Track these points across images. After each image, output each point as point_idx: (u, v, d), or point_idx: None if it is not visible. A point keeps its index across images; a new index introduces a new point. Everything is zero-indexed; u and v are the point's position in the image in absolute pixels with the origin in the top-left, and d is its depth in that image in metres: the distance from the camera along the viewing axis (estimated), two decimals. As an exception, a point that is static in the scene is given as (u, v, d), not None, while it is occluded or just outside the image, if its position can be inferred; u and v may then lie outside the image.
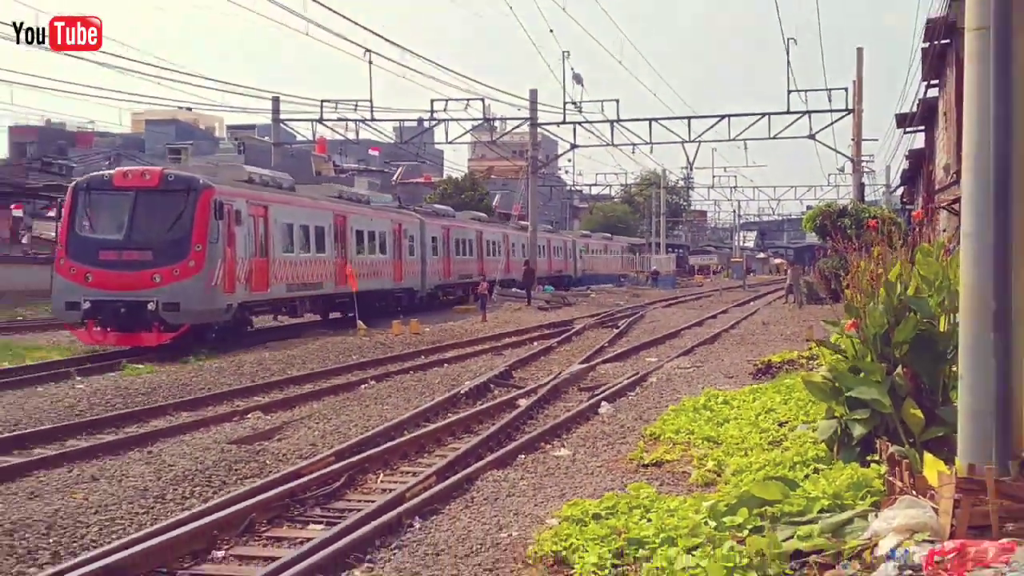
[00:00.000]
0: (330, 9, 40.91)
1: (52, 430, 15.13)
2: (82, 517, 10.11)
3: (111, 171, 28.41)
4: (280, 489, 10.99)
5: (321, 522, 10.31)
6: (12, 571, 8.58)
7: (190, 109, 74.62)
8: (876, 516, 7.95)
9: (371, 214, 41.40)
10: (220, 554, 9.25)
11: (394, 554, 8.95)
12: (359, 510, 10.36)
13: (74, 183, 28.03)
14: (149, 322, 24.49)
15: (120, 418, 16.26)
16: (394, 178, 57.76)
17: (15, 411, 16.61)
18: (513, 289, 55.26)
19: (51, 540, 9.40)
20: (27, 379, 20.36)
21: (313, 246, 33.31)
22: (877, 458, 9.48)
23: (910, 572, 6.78)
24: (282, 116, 55.59)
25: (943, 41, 25.54)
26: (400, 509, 10.24)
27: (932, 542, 7.06)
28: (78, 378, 20.29)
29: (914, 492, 8.22)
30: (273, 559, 8.70)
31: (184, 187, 25.88)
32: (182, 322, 25.01)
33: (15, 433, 14.78)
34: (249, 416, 16.36)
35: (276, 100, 54.49)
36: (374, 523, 9.66)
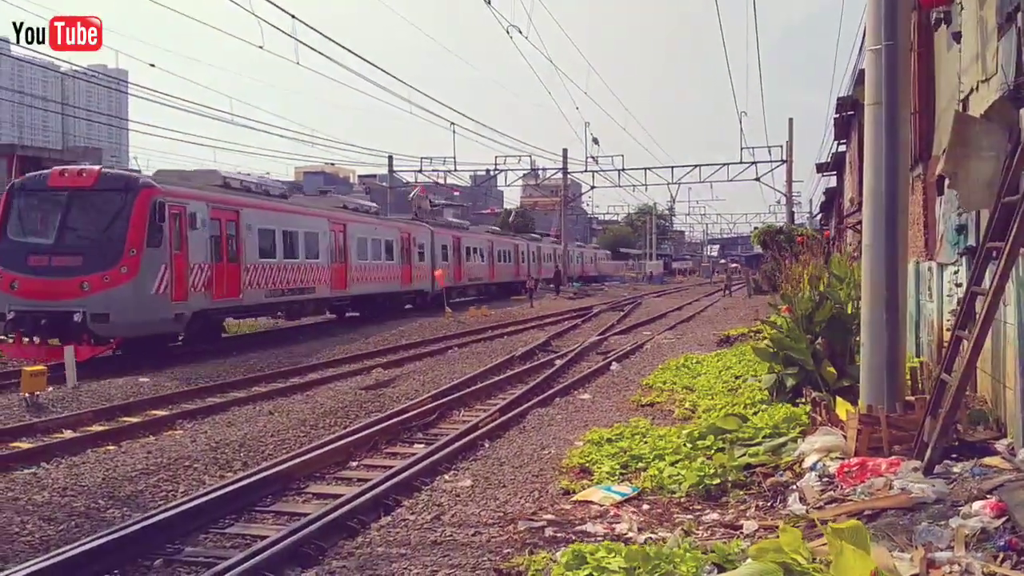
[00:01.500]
0: (426, 95, 41.00)
1: (242, 380, 15.30)
2: (263, 439, 10.25)
3: (48, 171, 18.29)
4: (395, 420, 11.04)
5: (422, 442, 10.35)
6: (217, 475, 8.71)
7: (333, 164, 75.35)
8: (803, 440, 7.88)
9: (375, 223, 30.33)
10: (354, 464, 9.32)
11: (471, 464, 8.98)
12: (447, 435, 10.39)
13: (11, 183, 18.64)
14: (78, 334, 15.91)
15: (288, 372, 16.40)
16: (410, 195, 50.05)
17: (217, 368, 16.83)
18: (550, 285, 55.08)
19: (242, 454, 9.54)
20: (220, 347, 20.58)
21: (303, 252, 23.56)
22: (804, 401, 9.39)
23: (827, 479, 6.71)
24: (395, 168, 55.93)
25: (849, 112, 25.15)
26: (475, 434, 10.27)
27: (842, 458, 6.99)
28: (262, 353, 20.47)
29: (830, 424, 8.15)
30: (390, 467, 8.77)
31: (121, 187, 17.14)
32: (113, 334, 16.53)
33: (218, 382, 14.97)
34: (374, 371, 16.42)
35: (390, 157, 54.98)
36: (457, 443, 9.70)
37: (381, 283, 29.64)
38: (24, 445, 10.20)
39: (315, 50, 19.71)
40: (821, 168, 39.53)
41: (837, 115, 26.93)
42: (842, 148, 31.76)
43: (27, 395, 12.53)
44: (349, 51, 21.31)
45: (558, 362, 17.31)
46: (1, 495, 7.71)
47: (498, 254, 47.17)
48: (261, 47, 19.79)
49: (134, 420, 11.69)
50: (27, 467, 9.02)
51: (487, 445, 9.93)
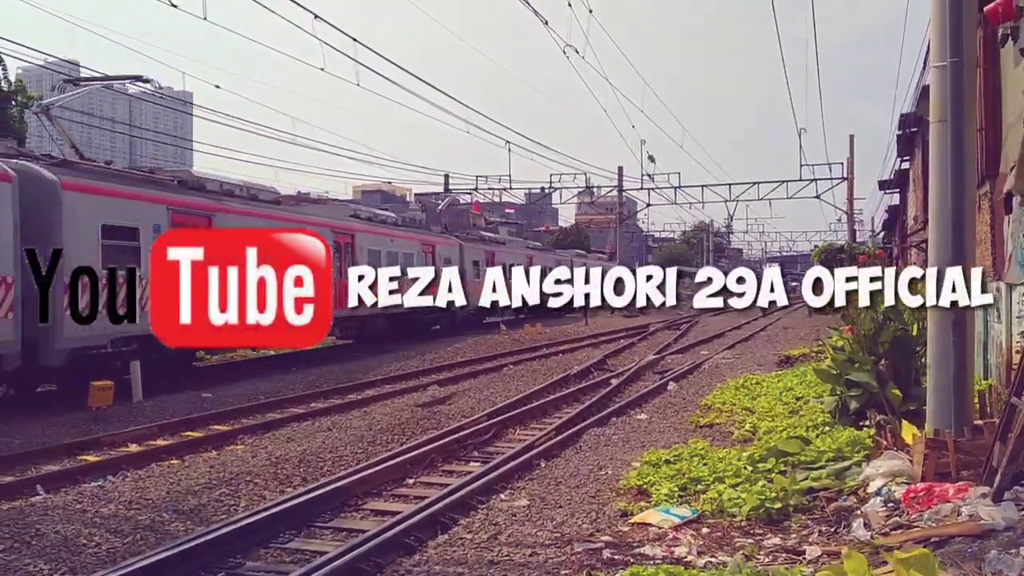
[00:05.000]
0: (483, 115, 41.33)
1: (301, 396, 15.50)
2: (321, 455, 10.37)
3: None
4: (451, 438, 11.09)
5: (478, 461, 10.38)
6: (277, 490, 8.84)
7: (390, 183, 76.37)
8: (867, 465, 7.74)
9: None
10: (411, 481, 9.38)
11: (527, 484, 8.97)
12: (503, 453, 10.40)
13: None
14: None
15: (345, 389, 16.58)
16: (439, 207, 41.00)
17: (276, 383, 17.11)
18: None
19: (301, 470, 9.66)
20: (280, 363, 20.90)
21: None
22: (868, 424, 9.22)
23: (892, 504, 6.59)
24: (451, 186, 56.43)
25: (912, 129, 24.71)
26: (531, 453, 10.27)
27: (908, 483, 6.86)
28: (321, 369, 20.76)
29: (895, 448, 7.99)
30: (446, 485, 8.81)
31: None
32: None
33: (278, 398, 15.20)
34: (430, 388, 16.51)
35: (447, 176, 55.54)
36: (513, 462, 9.70)
37: None
38: (91, 458, 10.50)
39: (375, 71, 20.03)
40: (884, 185, 38.83)
41: (900, 132, 26.48)
42: (905, 165, 31.21)
43: (94, 409, 12.89)
44: (409, 72, 21.62)
45: (614, 381, 17.22)
46: (70, 507, 7.94)
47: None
48: (322, 69, 20.17)
49: (197, 435, 11.94)
50: (94, 480, 9.28)
51: (543, 464, 9.93)
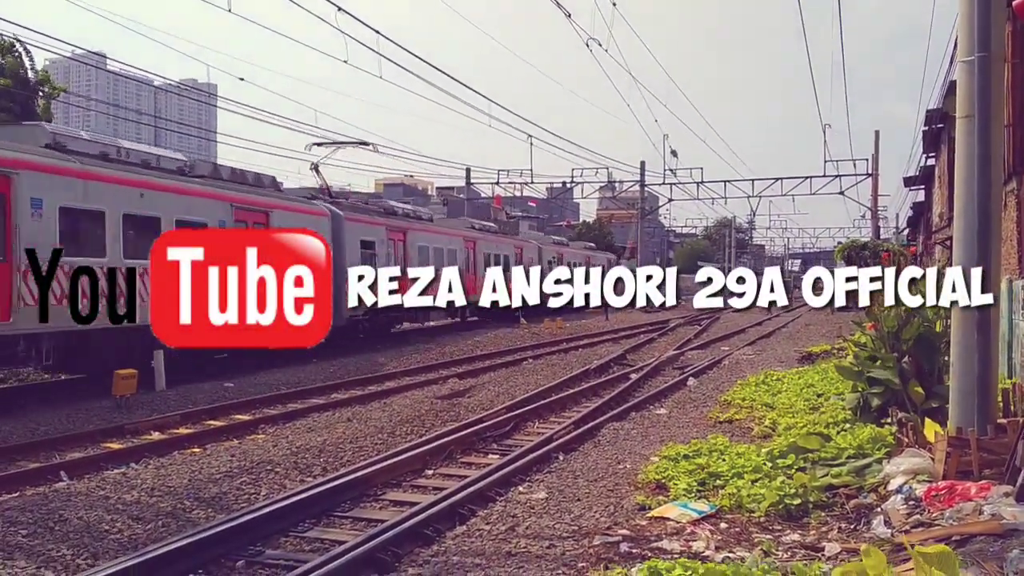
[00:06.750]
0: (504, 107, 41.29)
1: (322, 387, 15.61)
2: (342, 445, 10.42)
3: None
4: (470, 430, 11.12)
5: (497, 453, 10.39)
6: (297, 479, 8.90)
7: (412, 176, 76.62)
8: (888, 462, 7.70)
9: None
10: (430, 472, 9.41)
11: (545, 476, 8.97)
12: (522, 446, 10.41)
13: None
14: None
15: (366, 380, 16.67)
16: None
17: (298, 374, 17.20)
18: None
19: (322, 459, 9.72)
20: (302, 357, 20.92)
21: None
22: (889, 421, 9.17)
23: (913, 502, 6.54)
24: (472, 180, 56.42)
25: (938, 125, 24.47)
26: (549, 446, 10.28)
27: (930, 482, 6.82)
28: (341, 360, 20.82)
29: (917, 446, 7.93)
30: (465, 476, 8.84)
31: None
32: None
33: (298, 388, 15.30)
34: (449, 380, 16.55)
35: (468, 170, 55.52)
36: (531, 455, 9.72)
37: None
38: (114, 445, 10.63)
39: (397, 64, 20.08)
40: (909, 182, 38.54)
41: (926, 127, 26.26)
42: (931, 161, 30.95)
43: (118, 397, 13.03)
44: (430, 64, 21.64)
45: (633, 376, 17.18)
46: (93, 494, 8.02)
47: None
48: (346, 61, 20.20)
49: (219, 424, 12.05)
50: (117, 467, 9.41)
51: (561, 458, 9.92)
